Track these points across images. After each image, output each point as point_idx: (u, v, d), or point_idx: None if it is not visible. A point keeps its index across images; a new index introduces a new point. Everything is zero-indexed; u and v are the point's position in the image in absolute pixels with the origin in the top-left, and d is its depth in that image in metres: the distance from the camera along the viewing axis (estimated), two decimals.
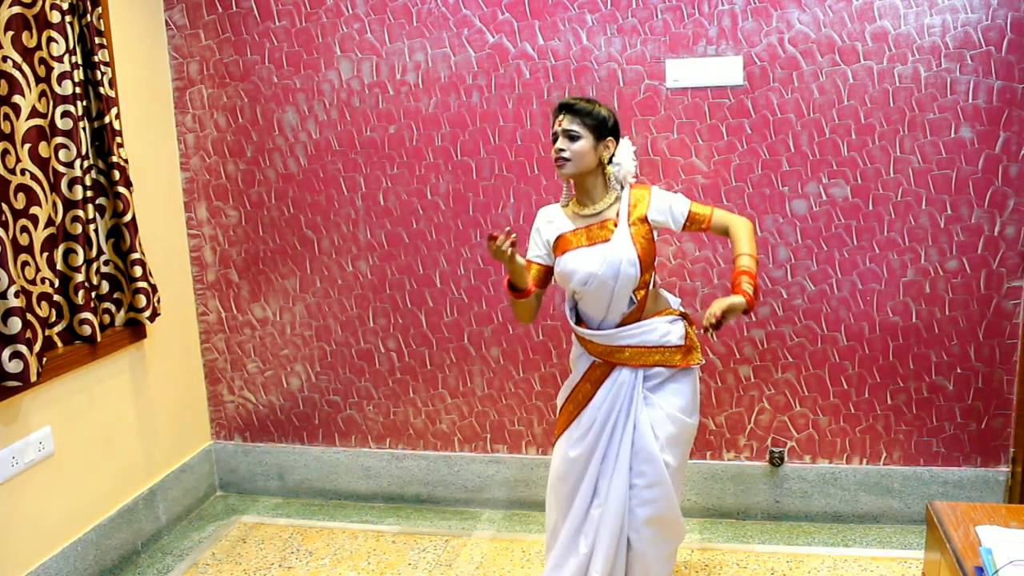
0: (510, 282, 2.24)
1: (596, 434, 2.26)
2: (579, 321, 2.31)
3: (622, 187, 2.27)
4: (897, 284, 2.82)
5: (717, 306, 2.09)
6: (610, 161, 2.24)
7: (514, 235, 2.10)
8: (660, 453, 2.21)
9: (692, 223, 2.25)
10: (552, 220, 2.30)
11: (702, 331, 2.12)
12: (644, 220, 2.22)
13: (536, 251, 2.33)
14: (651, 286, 2.25)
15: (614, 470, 2.25)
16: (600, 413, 2.26)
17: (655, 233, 2.24)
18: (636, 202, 2.24)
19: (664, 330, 2.24)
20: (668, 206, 2.24)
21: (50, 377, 2.46)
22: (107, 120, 2.60)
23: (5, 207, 2.27)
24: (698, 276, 2.91)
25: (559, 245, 2.27)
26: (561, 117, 2.21)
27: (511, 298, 2.28)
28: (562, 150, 2.19)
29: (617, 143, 2.26)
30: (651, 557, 2.24)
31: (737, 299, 2.09)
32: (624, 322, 2.24)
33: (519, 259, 2.18)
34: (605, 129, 2.22)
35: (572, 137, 2.19)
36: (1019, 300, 2.76)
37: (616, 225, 2.22)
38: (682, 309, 2.32)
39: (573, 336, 2.34)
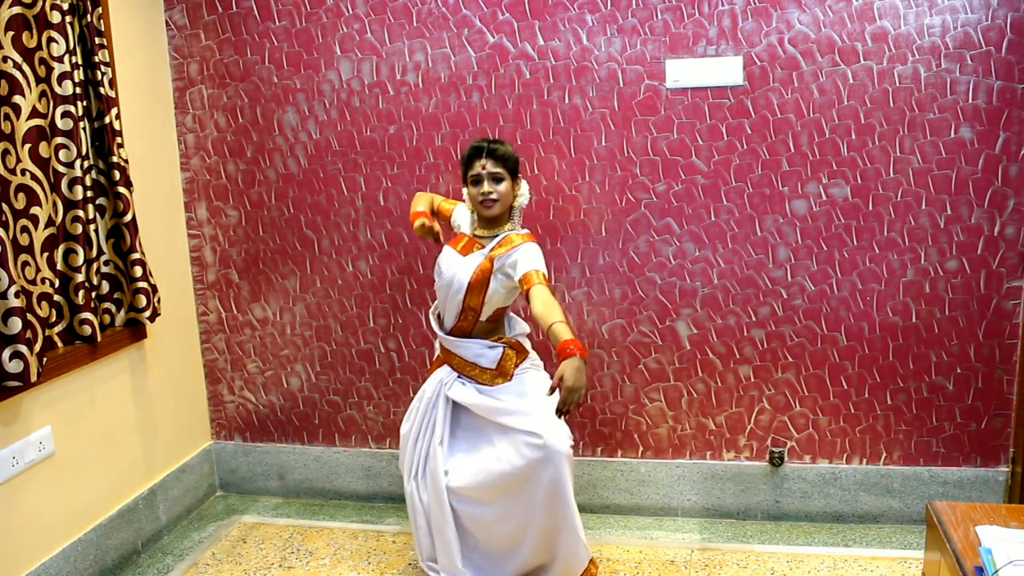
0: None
1: (420, 415, 2.59)
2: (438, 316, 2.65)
3: (514, 228, 2.54)
4: (897, 284, 2.82)
5: (563, 392, 2.18)
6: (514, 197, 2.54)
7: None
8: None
9: (523, 282, 2.38)
10: (463, 217, 2.65)
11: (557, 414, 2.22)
12: (492, 260, 2.47)
13: (457, 211, 2.70)
14: (482, 317, 2.51)
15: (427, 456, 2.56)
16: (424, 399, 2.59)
17: (494, 274, 2.46)
18: (504, 244, 2.49)
19: (478, 351, 2.52)
20: (517, 258, 2.43)
21: (50, 377, 2.46)
22: (107, 120, 2.60)
23: (5, 207, 2.27)
24: (698, 276, 2.92)
25: (453, 239, 2.62)
26: (484, 161, 2.47)
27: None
28: (490, 193, 2.46)
29: (521, 179, 2.56)
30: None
31: (581, 384, 2.16)
32: (453, 330, 2.56)
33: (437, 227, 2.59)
34: (517, 168, 2.53)
35: (497, 179, 2.47)
36: (1019, 300, 2.76)
37: (481, 249, 2.51)
38: (518, 339, 2.59)
39: None
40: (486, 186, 2.46)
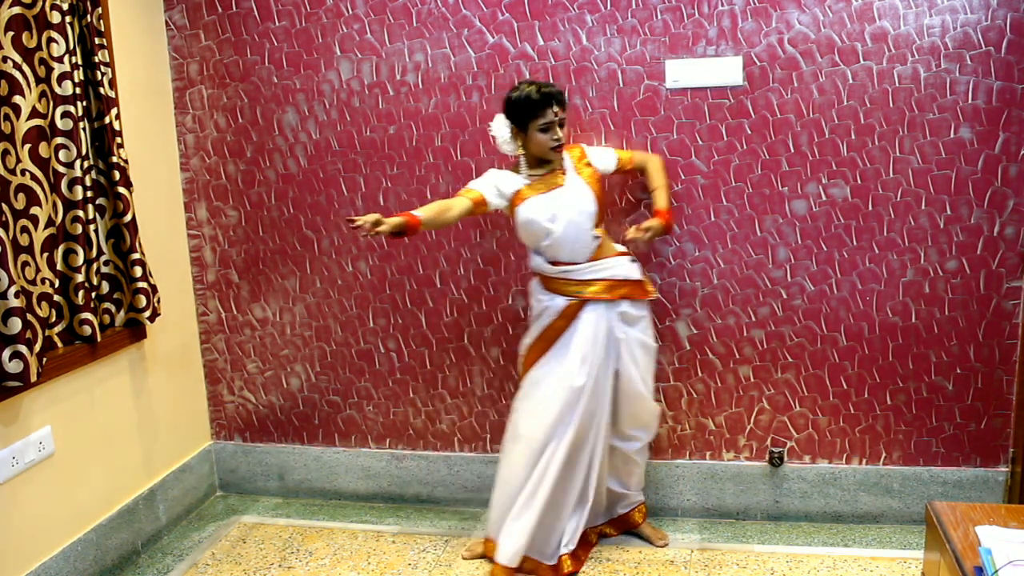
0: (397, 233, 2.44)
1: (592, 365, 2.59)
2: (555, 263, 2.64)
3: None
4: (897, 284, 2.82)
5: (642, 226, 2.58)
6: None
7: (370, 220, 2.34)
8: (645, 391, 2.71)
9: (620, 167, 2.72)
10: (506, 179, 2.64)
11: (626, 240, 2.63)
12: (589, 165, 2.66)
13: (482, 186, 2.63)
14: (601, 225, 2.65)
15: (600, 405, 2.65)
16: (589, 346, 2.59)
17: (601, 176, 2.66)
18: (578, 156, 2.67)
19: (628, 267, 2.66)
20: (600, 155, 2.70)
21: (50, 377, 2.46)
22: (107, 120, 2.61)
23: (5, 207, 2.28)
24: (697, 276, 2.92)
25: (516, 198, 2.62)
26: (556, 108, 2.55)
27: (410, 235, 2.52)
28: (561, 138, 2.58)
29: None
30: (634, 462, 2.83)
31: (656, 221, 2.61)
32: (592, 258, 2.62)
33: (389, 222, 2.38)
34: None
35: (563, 124, 2.60)
36: (1018, 300, 2.76)
37: (564, 173, 2.63)
38: (625, 249, 2.74)
39: (534, 290, 2.71)
40: (559, 132, 2.57)
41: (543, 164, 2.64)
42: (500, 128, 2.62)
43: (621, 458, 2.81)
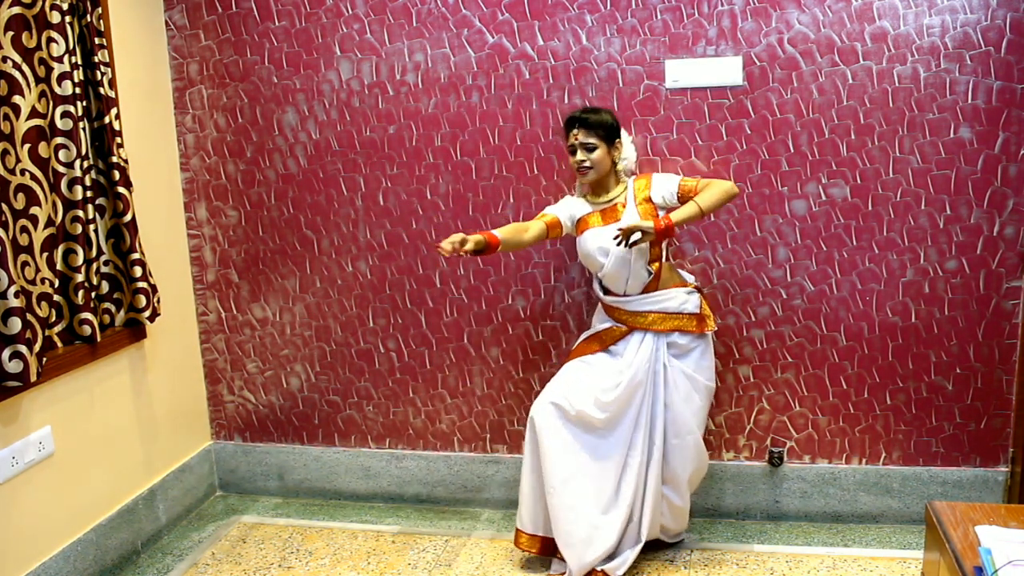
0: (477, 251, 2.48)
1: (629, 389, 2.58)
2: (607, 292, 2.69)
3: (629, 175, 2.71)
4: (896, 284, 2.82)
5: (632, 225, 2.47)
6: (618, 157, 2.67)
7: (456, 241, 2.39)
8: (693, 426, 2.63)
9: (683, 196, 2.59)
10: (575, 204, 2.72)
11: (615, 239, 2.50)
12: (648, 200, 2.62)
13: (558, 209, 2.71)
14: (664, 259, 2.65)
15: (649, 432, 2.62)
16: (630, 370, 2.58)
17: (659, 212, 2.60)
18: (640, 188, 2.65)
19: (682, 299, 2.62)
20: (663, 185, 2.62)
21: (50, 377, 2.46)
22: (107, 120, 2.61)
23: (5, 207, 2.28)
24: (697, 276, 2.91)
25: (580, 225, 2.68)
26: (576, 131, 2.61)
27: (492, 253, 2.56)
28: (583, 161, 2.61)
29: (621, 141, 2.67)
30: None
31: (647, 223, 2.47)
32: (645, 290, 2.62)
33: (472, 239, 2.43)
34: (614, 133, 2.64)
35: (589, 149, 2.60)
36: (1018, 300, 2.76)
37: (625, 207, 2.62)
38: (696, 283, 2.73)
39: (596, 311, 2.78)
40: (579, 155, 2.61)
41: (601, 192, 2.67)
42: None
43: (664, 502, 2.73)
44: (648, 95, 2.83)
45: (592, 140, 2.58)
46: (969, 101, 2.66)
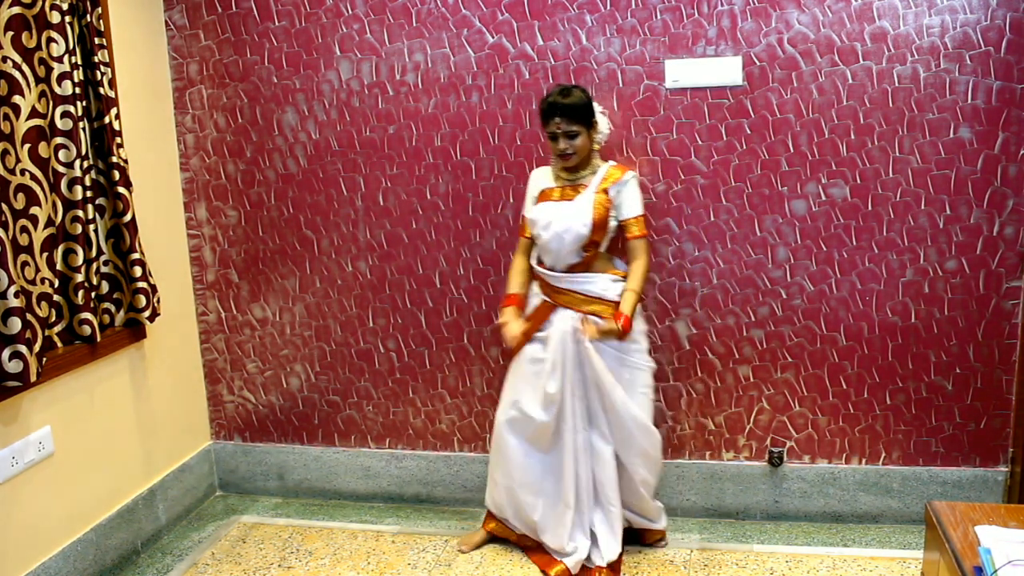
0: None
1: (563, 371, 2.62)
2: (539, 263, 2.71)
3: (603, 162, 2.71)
4: (896, 284, 2.82)
5: (598, 328, 2.56)
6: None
7: (518, 335, 2.68)
8: (635, 414, 2.64)
9: (622, 228, 2.65)
10: (540, 179, 2.73)
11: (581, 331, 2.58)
12: (606, 192, 2.62)
13: (527, 212, 2.73)
14: (601, 248, 2.66)
15: (585, 410, 2.66)
16: (559, 354, 2.61)
17: (611, 207, 2.62)
18: (608, 177, 2.64)
19: (604, 285, 2.64)
20: (624, 198, 2.64)
21: (50, 377, 2.46)
22: (107, 120, 2.61)
23: (5, 207, 2.28)
24: (697, 276, 2.92)
25: (540, 196, 2.69)
26: (558, 120, 2.56)
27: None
28: (567, 149, 2.59)
29: (598, 120, 2.65)
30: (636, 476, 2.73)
31: (612, 325, 2.56)
32: (571, 269, 2.64)
33: (514, 320, 2.70)
34: (591, 115, 2.61)
35: (572, 136, 2.58)
36: (1018, 300, 2.77)
37: (583, 190, 2.63)
38: (624, 271, 2.71)
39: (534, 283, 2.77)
40: (562, 143, 2.59)
41: (573, 171, 2.67)
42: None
43: (627, 483, 2.74)
44: (648, 95, 2.83)
45: (574, 127, 2.56)
46: (969, 101, 2.66)
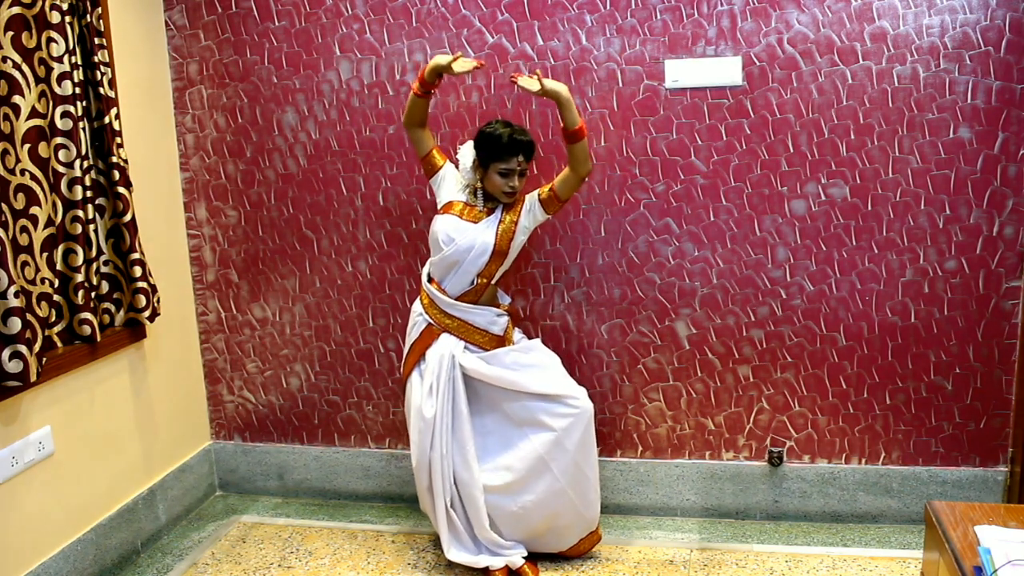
0: (429, 74, 2.54)
1: (440, 396, 2.60)
2: (430, 280, 2.68)
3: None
4: (896, 284, 2.82)
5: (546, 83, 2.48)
6: None
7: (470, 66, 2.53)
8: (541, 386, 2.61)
9: (548, 205, 2.62)
10: (452, 183, 2.68)
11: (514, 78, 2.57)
12: (515, 222, 2.61)
13: (447, 160, 2.71)
14: (494, 280, 2.65)
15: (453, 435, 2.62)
16: (433, 377, 2.60)
17: (522, 236, 2.62)
18: (516, 206, 2.63)
19: (490, 319, 2.66)
20: (529, 207, 2.63)
21: (50, 377, 2.46)
22: (107, 120, 2.61)
23: (5, 207, 2.28)
24: (697, 276, 2.92)
25: (445, 206, 2.65)
26: (520, 158, 2.55)
27: (419, 91, 2.59)
28: (516, 187, 2.57)
29: None
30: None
31: (563, 87, 2.49)
32: (461, 297, 2.63)
33: (459, 68, 2.52)
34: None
35: (522, 173, 2.59)
36: (1018, 300, 2.77)
37: (487, 216, 2.61)
38: (509, 305, 2.76)
39: (419, 298, 2.72)
40: (516, 181, 2.57)
41: (489, 199, 2.64)
42: (466, 155, 2.65)
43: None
44: (648, 95, 2.83)
45: (526, 165, 2.58)
46: (968, 101, 2.67)
